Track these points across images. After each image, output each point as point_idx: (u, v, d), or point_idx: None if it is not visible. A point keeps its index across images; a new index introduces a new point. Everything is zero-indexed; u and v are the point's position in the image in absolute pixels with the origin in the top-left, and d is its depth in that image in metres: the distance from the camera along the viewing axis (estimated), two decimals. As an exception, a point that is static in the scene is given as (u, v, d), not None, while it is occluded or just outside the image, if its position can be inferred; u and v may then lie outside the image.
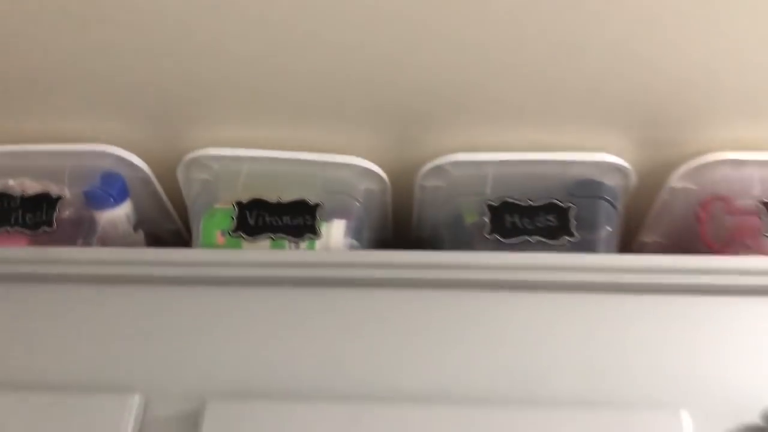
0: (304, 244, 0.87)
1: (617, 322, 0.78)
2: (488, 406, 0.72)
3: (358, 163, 0.91)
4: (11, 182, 0.93)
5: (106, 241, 0.92)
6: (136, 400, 0.74)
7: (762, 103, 0.86)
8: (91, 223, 0.91)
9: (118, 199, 0.93)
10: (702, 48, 0.80)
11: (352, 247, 0.89)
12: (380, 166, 0.93)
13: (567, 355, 0.75)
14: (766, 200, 0.85)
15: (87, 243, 0.90)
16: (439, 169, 0.92)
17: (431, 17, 0.78)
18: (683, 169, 0.89)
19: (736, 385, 0.73)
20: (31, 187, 0.93)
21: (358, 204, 0.92)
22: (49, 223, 0.90)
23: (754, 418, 0.70)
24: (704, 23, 0.78)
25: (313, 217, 0.88)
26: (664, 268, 0.79)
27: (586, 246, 0.86)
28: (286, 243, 0.87)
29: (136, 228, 0.96)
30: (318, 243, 0.87)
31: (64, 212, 0.91)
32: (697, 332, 0.76)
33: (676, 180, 0.90)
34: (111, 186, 0.92)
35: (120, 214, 0.93)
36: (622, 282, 0.80)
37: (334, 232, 0.88)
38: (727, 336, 0.76)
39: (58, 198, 0.91)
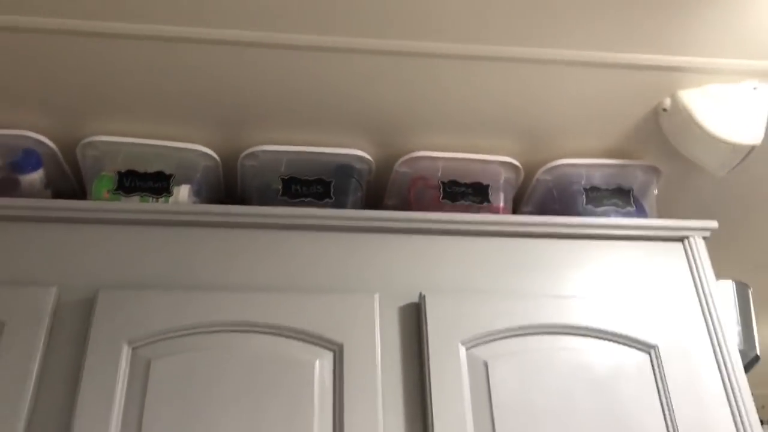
0: (161, 200, 1.36)
1: (348, 249, 1.32)
2: (271, 292, 1.23)
3: (199, 149, 1.41)
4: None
5: (26, 196, 1.35)
6: (53, 291, 1.19)
7: (448, 122, 1.44)
8: (16, 183, 1.36)
9: (35, 168, 1.37)
10: (411, 87, 1.37)
11: (193, 203, 1.39)
12: (215, 150, 1.43)
13: (314, 263, 1.29)
14: (443, 180, 1.43)
15: (14, 195, 1.34)
16: (253, 154, 1.42)
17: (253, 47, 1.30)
18: (401, 159, 1.45)
19: (407, 279, 1.29)
20: (-30, 158, 1.35)
21: (198, 175, 1.41)
22: (-15, 183, 1.34)
23: (414, 298, 1.27)
24: (415, 73, 1.34)
25: (168, 183, 1.37)
26: (374, 217, 1.35)
27: (341, 205, 1.40)
28: (149, 198, 1.36)
29: (46, 187, 1.40)
30: (171, 199, 1.36)
31: (-4, 175, 1.35)
32: (386, 252, 1.32)
33: (398, 166, 1.46)
34: (30, 158, 1.36)
35: (36, 177, 1.37)
36: (358, 226, 1.34)
37: (182, 192, 1.37)
38: (395, 252, 1.32)
39: (-9, 166, 1.35)
